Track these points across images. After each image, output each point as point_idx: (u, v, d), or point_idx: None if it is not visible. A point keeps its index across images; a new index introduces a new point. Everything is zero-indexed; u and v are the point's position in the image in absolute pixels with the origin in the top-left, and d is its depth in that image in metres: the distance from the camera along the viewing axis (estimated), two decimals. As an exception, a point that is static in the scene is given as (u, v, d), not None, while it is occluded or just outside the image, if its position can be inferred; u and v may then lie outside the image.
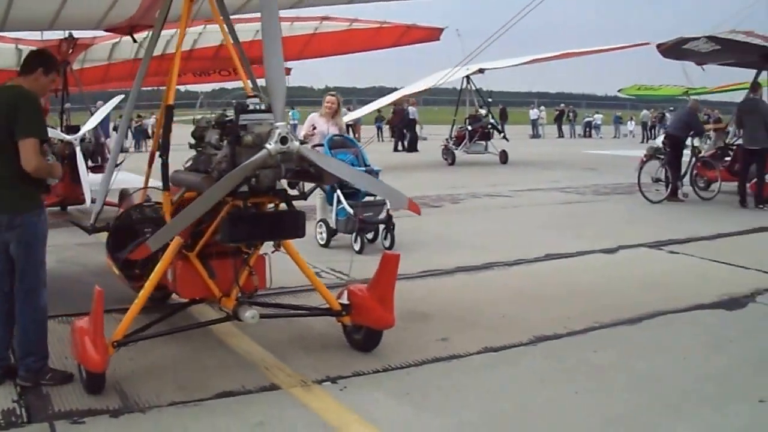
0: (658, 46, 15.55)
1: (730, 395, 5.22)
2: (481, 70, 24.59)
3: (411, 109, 32.75)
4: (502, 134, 25.63)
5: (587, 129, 55.03)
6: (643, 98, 44.68)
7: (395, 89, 29.85)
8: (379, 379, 5.49)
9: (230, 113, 5.20)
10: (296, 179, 5.20)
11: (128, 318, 5.18)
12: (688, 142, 15.71)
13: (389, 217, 10.15)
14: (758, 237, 11.61)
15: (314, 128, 10.69)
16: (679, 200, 15.43)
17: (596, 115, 56.91)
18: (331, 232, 10.35)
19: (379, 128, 41.39)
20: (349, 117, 23.46)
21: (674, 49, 15.45)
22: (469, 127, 24.48)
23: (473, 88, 26.33)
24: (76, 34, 12.22)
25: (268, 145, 4.64)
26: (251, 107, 5.00)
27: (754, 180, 14.38)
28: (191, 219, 4.85)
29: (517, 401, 5.12)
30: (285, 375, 5.50)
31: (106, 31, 8.14)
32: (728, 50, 14.87)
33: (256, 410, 4.88)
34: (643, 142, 46.04)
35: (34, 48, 5.99)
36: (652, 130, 48.39)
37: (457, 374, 5.62)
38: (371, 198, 9.96)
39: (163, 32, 7.16)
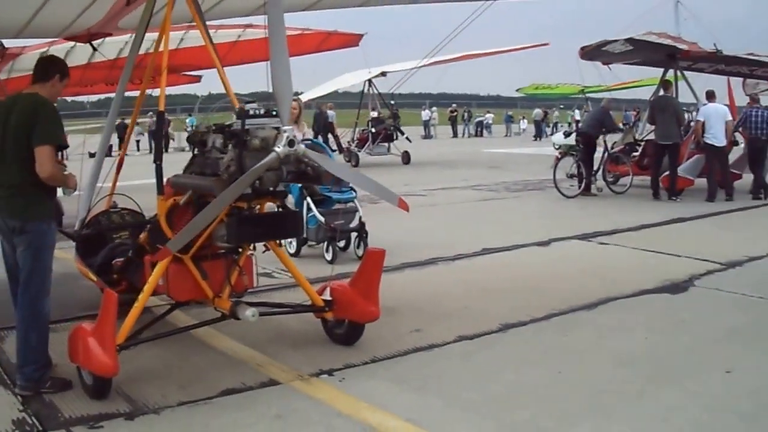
0: (582, 49, 16.41)
1: (700, 367, 5.82)
2: (383, 73, 25.18)
3: (330, 112, 32.97)
4: (405, 135, 26.27)
5: (479, 128, 56.67)
6: (540, 97, 46.53)
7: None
8: (372, 370, 5.82)
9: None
10: (295, 181, 5.47)
11: (129, 321, 5.32)
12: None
13: (362, 224, 10.07)
14: (678, 227, 12.54)
15: None
16: (593, 195, 16.38)
17: (487, 115, 58.72)
18: (301, 241, 10.13)
19: None
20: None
21: (594, 51, 16.38)
22: (373, 129, 25.03)
23: (375, 91, 26.94)
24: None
25: (276, 148, 4.90)
26: (252, 112, 5.24)
27: (666, 173, 15.43)
28: (208, 221, 5.06)
29: (508, 382, 5.54)
30: (279, 370, 5.76)
31: (66, 39, 8.16)
32: (640, 50, 15.90)
33: (267, 404, 5.12)
34: (535, 140, 47.93)
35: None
36: (540, 128, 50.39)
37: (442, 361, 6.02)
38: (342, 205, 10.03)
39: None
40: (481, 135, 55.55)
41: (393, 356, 6.10)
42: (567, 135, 36.70)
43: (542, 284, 8.52)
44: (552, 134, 45.13)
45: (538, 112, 52.39)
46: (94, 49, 8.25)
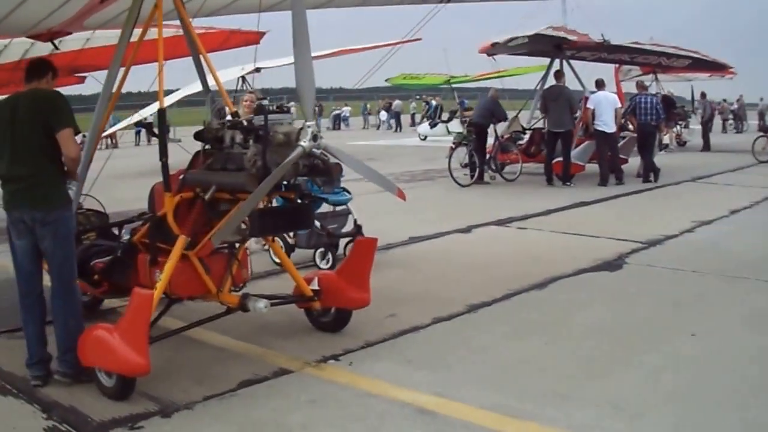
0: (492, 45, 17.20)
1: (667, 333, 6.62)
2: (257, 69, 25.40)
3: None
4: None
5: (336, 121, 57.32)
6: (408, 87, 47.76)
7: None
8: (373, 353, 6.27)
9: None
10: (308, 175, 5.78)
11: None
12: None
13: (359, 227, 9.54)
14: (583, 210, 13.64)
15: None
16: (486, 183, 17.32)
17: (345, 108, 59.50)
18: (290, 248, 9.31)
19: (138, 133, 40.83)
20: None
21: (502, 47, 17.27)
22: (251, 124, 25.23)
23: (249, 88, 27.14)
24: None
25: (303, 143, 5.24)
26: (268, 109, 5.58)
27: (557, 160, 16.55)
28: (244, 216, 5.33)
29: (506, 356, 6.14)
30: (283, 359, 6.09)
31: (28, 37, 8.10)
32: (531, 42, 16.90)
33: (294, 392, 5.45)
34: (396, 131, 49.20)
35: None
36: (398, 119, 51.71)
37: (434, 341, 6.56)
38: (331, 208, 9.49)
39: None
40: (339, 128, 56.23)
41: (385, 339, 6.57)
42: (433, 126, 38.08)
43: (485, 268, 9.17)
44: (417, 125, 46.42)
45: (398, 103, 53.61)
46: (56, 47, 8.24)
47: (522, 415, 4.97)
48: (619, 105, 16.57)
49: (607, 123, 16.18)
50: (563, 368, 5.83)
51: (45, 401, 5.37)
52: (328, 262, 9.15)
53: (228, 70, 24.47)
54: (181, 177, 6.05)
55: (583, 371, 5.77)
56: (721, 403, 5.11)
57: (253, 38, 14.75)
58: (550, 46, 17.57)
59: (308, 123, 5.31)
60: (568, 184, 16.38)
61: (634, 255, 9.63)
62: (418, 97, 59.62)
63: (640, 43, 18.08)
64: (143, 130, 40.85)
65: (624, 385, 5.46)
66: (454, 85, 34.78)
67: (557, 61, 18.21)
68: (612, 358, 6.03)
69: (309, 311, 6.81)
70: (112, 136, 32.89)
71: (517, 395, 5.29)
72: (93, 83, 13.13)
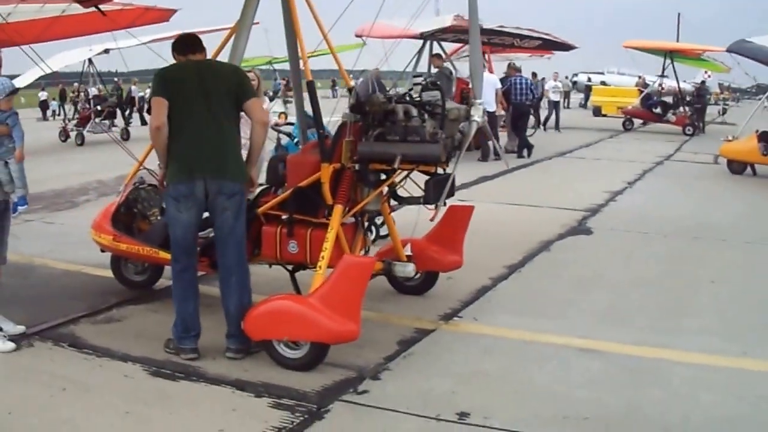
0: (420, 34, 18.11)
1: (693, 282, 7.97)
2: (106, 51, 24.87)
3: (134, 88, 35.24)
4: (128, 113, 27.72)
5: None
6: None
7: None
8: (479, 309, 7.01)
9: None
10: (454, 150, 6.33)
11: None
12: None
13: None
14: (494, 184, 14.90)
15: None
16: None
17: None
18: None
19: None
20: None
21: (426, 35, 18.54)
22: (98, 107, 24.89)
23: (95, 70, 26.81)
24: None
25: (476, 118, 5.98)
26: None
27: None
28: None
29: (593, 305, 7.15)
30: (408, 321, 6.59)
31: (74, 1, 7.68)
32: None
33: (458, 345, 6.04)
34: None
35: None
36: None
37: (517, 296, 7.46)
38: None
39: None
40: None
41: (475, 299, 7.31)
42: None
43: (472, 235, 9.71)
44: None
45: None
46: (103, 13, 7.93)
47: (657, 345, 6.04)
48: (500, 86, 17.94)
49: (489, 103, 17.47)
50: (647, 311, 6.96)
51: (228, 380, 5.32)
52: None
53: (74, 51, 23.74)
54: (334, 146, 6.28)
55: (664, 312, 6.95)
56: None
57: (164, 15, 14.64)
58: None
59: (478, 101, 6.05)
60: (451, 160, 17.56)
61: (589, 221, 10.98)
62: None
63: (504, 26, 19.55)
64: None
65: (707, 319, 6.77)
66: (275, 66, 35.32)
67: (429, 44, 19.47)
68: (675, 302, 7.27)
69: (393, 276, 7.32)
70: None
71: (638, 332, 6.37)
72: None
